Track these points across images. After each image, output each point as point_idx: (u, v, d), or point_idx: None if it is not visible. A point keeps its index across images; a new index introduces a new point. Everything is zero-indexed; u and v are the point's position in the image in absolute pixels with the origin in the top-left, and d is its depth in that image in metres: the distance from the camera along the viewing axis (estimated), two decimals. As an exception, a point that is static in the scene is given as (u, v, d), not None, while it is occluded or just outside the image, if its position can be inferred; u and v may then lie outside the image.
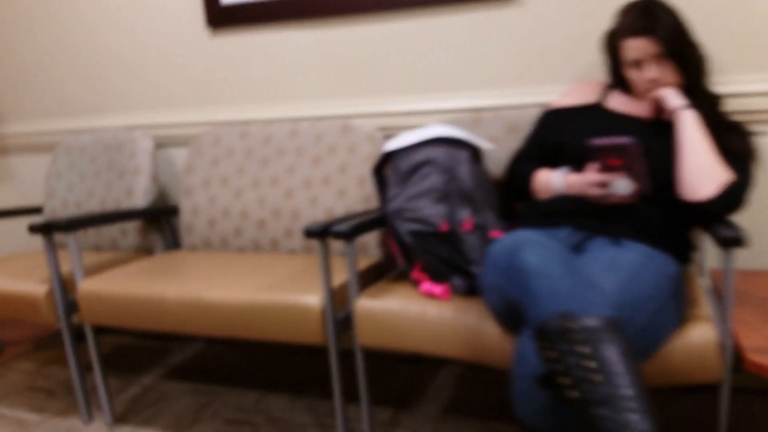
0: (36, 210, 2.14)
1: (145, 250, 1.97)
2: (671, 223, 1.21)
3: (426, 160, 1.36)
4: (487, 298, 1.13)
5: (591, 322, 0.82)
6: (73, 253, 1.53)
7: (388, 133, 1.79)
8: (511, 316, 1.05)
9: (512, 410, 0.92)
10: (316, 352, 2.06)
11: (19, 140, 2.35)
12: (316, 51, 1.87)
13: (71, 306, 1.56)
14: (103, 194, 2.00)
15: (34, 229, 1.51)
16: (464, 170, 1.35)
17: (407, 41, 1.76)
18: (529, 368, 0.89)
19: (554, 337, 0.83)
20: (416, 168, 1.36)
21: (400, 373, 1.86)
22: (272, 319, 1.33)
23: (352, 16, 1.80)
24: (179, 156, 2.11)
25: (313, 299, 1.30)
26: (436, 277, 1.32)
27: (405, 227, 1.34)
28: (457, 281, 1.29)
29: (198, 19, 1.98)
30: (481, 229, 1.33)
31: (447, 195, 1.33)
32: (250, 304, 1.34)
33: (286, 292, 1.33)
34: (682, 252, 1.24)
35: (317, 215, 1.73)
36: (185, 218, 1.90)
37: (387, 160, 1.45)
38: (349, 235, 1.25)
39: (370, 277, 1.54)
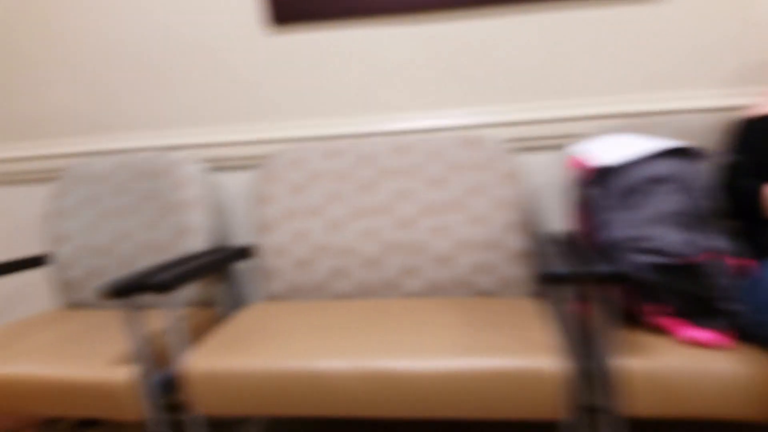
0: (36, 260, 1.61)
1: (203, 303, 1.53)
2: None
3: (659, 176, 1.11)
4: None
5: None
6: (174, 320, 1.10)
7: (517, 146, 1.53)
8: None
9: None
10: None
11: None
12: (419, 51, 1.56)
13: (170, 392, 1.13)
14: (141, 235, 1.54)
15: (119, 291, 1.06)
16: (703, 187, 1.12)
17: (539, 37, 1.51)
18: None
19: None
20: (645, 186, 1.11)
21: None
22: (493, 391, 1.01)
23: (465, 8, 1.52)
24: (232, 182, 1.70)
25: (550, 362, 1.00)
26: (689, 320, 1.07)
27: (639, 260, 1.08)
28: (722, 323, 1.05)
29: (256, 14, 1.60)
30: (726, 257, 1.10)
31: (690, 218, 1.09)
32: (471, 374, 1.01)
33: (511, 354, 1.02)
34: None
35: (446, 248, 1.41)
36: (267, 260, 1.50)
37: (595, 176, 1.18)
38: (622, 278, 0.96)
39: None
